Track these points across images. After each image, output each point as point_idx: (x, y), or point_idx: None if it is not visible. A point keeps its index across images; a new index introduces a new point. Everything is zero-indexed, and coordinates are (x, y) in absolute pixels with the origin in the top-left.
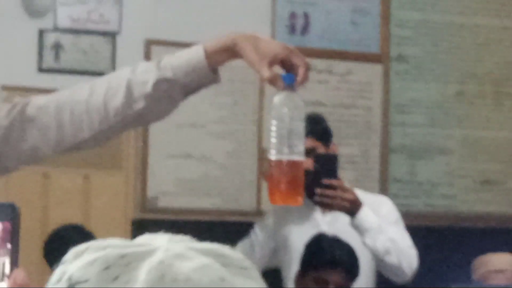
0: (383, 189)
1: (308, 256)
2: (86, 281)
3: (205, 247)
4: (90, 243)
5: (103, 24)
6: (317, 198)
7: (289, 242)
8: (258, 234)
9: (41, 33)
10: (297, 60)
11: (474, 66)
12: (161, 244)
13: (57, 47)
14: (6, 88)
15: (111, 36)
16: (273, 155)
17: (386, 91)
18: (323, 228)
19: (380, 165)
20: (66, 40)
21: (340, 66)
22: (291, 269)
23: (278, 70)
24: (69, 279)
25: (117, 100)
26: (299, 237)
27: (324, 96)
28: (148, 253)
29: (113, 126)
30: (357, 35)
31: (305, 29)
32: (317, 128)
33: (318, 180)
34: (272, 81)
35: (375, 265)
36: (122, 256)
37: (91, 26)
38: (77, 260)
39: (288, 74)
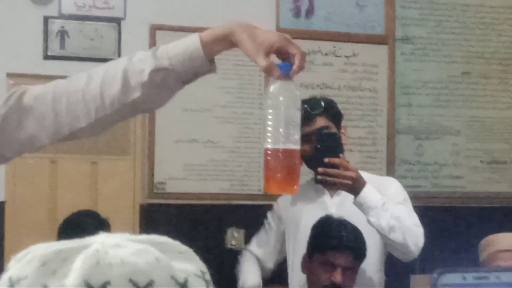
0: (390, 171)
1: (314, 239)
2: (25, 278)
3: (141, 238)
4: (31, 247)
5: (108, 10)
6: (319, 177)
7: (297, 226)
8: (270, 222)
9: (46, 20)
10: (293, 49)
11: (480, 46)
12: (98, 239)
13: (62, 33)
14: (12, 75)
15: (116, 22)
16: (269, 144)
17: (392, 72)
18: (331, 210)
19: (387, 147)
20: (71, 26)
21: (345, 48)
22: (299, 253)
23: (275, 59)
24: (9, 279)
25: (114, 89)
26: (307, 220)
27: (330, 79)
28: (85, 246)
29: (110, 115)
30: (362, 17)
31: (309, 11)
32: (331, 109)
33: (321, 158)
34: (268, 70)
35: (383, 247)
36: (58, 252)
37: (95, 13)
38: (18, 263)
39: (284, 63)
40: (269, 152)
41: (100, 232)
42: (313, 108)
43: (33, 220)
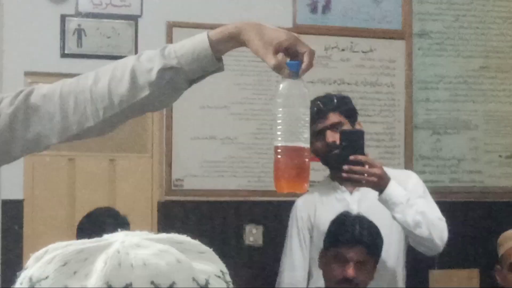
0: (408, 166)
1: (329, 233)
2: (46, 278)
3: (161, 237)
4: (50, 246)
5: (125, 8)
6: (345, 175)
7: (319, 223)
8: (297, 234)
9: (63, 18)
10: (302, 47)
11: (498, 40)
12: (117, 238)
13: (79, 32)
14: (29, 74)
15: (133, 19)
16: (278, 142)
17: (409, 67)
18: (352, 207)
19: (405, 142)
20: (88, 25)
21: (362, 43)
22: (316, 248)
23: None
24: (30, 280)
25: (122, 88)
26: (328, 217)
27: (347, 74)
28: (105, 246)
29: (118, 114)
30: (379, 12)
31: (326, 7)
32: (344, 105)
33: (345, 156)
34: (277, 68)
35: (405, 242)
36: (79, 252)
37: (112, 10)
38: (37, 263)
39: (293, 61)
40: (279, 150)
41: (119, 229)
42: (325, 104)
43: (52, 218)
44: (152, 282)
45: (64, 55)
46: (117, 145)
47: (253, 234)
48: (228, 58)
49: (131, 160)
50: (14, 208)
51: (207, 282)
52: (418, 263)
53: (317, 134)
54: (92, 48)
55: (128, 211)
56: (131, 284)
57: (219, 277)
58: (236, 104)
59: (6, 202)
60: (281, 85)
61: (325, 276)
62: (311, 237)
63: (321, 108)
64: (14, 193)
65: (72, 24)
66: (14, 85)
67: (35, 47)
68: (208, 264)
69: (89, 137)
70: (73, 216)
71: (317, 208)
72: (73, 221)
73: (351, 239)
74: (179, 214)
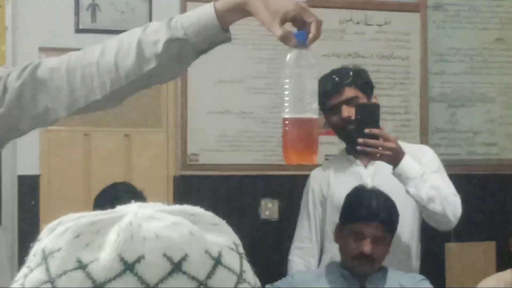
0: (424, 139)
1: (345, 209)
2: (58, 250)
3: (174, 209)
4: (62, 217)
5: None
6: (360, 148)
7: (333, 196)
8: (309, 204)
9: None
10: (309, 17)
11: None
12: (131, 210)
13: (93, 7)
14: (43, 49)
15: None
16: (286, 114)
17: (424, 40)
18: (366, 181)
19: (420, 115)
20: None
21: (377, 16)
22: (331, 223)
23: (291, 28)
24: (43, 251)
25: (128, 61)
26: (341, 191)
27: (362, 48)
28: (118, 218)
29: (125, 86)
30: None
31: None
32: (360, 79)
33: (360, 129)
34: (284, 39)
35: (419, 216)
36: (92, 224)
37: None
38: (50, 235)
39: (300, 31)
40: (287, 122)
41: (133, 201)
42: (341, 78)
43: (67, 193)
44: (164, 255)
45: (78, 30)
46: (132, 120)
47: (269, 208)
48: (242, 32)
49: (146, 135)
50: (30, 183)
51: (219, 254)
52: (434, 236)
53: (332, 109)
54: (106, 23)
55: (143, 186)
56: (143, 256)
57: (232, 249)
58: (251, 78)
59: (22, 177)
60: (288, 56)
61: (341, 251)
62: (324, 210)
63: (336, 82)
64: (30, 168)
65: None
66: (29, 61)
67: (49, 23)
68: (221, 236)
69: (97, 110)
70: (89, 191)
71: (330, 180)
72: (89, 196)
73: (367, 215)
74: (194, 189)
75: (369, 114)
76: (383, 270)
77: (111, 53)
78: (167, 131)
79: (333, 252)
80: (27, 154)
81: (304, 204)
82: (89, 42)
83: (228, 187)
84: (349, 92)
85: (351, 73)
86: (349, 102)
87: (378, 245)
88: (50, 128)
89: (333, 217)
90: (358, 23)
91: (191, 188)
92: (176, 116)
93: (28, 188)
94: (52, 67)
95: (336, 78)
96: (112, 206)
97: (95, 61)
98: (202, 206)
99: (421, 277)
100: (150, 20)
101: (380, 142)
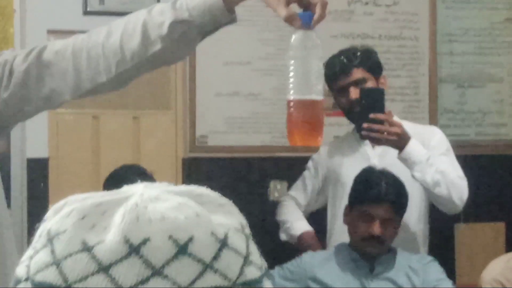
0: (433, 120)
1: (354, 190)
2: (64, 231)
3: (181, 189)
4: (69, 198)
5: None
6: (364, 133)
7: (339, 176)
8: (310, 169)
9: None
10: None
11: None
12: (137, 190)
13: None
14: (52, 32)
15: None
16: (291, 95)
17: (433, 20)
18: (373, 161)
19: (429, 96)
20: None
21: None
22: (339, 204)
23: (296, 9)
24: (48, 233)
25: (134, 43)
26: (349, 170)
27: (371, 28)
28: (124, 199)
29: (130, 69)
30: None
31: None
32: (368, 60)
33: (365, 114)
34: (289, 20)
35: (427, 198)
36: (98, 205)
37: None
38: (56, 216)
39: (305, 12)
40: (292, 103)
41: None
42: (349, 59)
43: (77, 176)
44: (170, 237)
45: (86, 12)
46: (140, 102)
47: (278, 190)
48: (250, 14)
49: (154, 117)
50: (39, 167)
51: (226, 236)
52: (444, 217)
53: (340, 90)
54: (114, 5)
55: (152, 168)
56: (149, 238)
57: (238, 230)
58: (259, 59)
59: (31, 161)
60: (293, 37)
61: (351, 232)
62: (326, 185)
63: (344, 63)
64: (39, 151)
65: None
66: (37, 44)
67: (57, 5)
68: (227, 217)
69: (102, 93)
70: (98, 174)
71: (337, 158)
72: (98, 178)
73: (377, 197)
74: (203, 171)
75: (374, 99)
76: (392, 252)
77: (116, 35)
78: (175, 113)
79: (343, 233)
80: (36, 137)
81: (305, 172)
82: (97, 24)
83: (236, 169)
84: (357, 73)
85: (359, 53)
86: (357, 83)
87: (387, 227)
88: (59, 111)
89: (339, 194)
90: (366, 3)
91: (200, 170)
92: (185, 98)
93: (37, 171)
94: (58, 49)
95: (344, 59)
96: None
97: (100, 43)
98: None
99: (430, 258)
100: (159, 1)
101: (385, 127)
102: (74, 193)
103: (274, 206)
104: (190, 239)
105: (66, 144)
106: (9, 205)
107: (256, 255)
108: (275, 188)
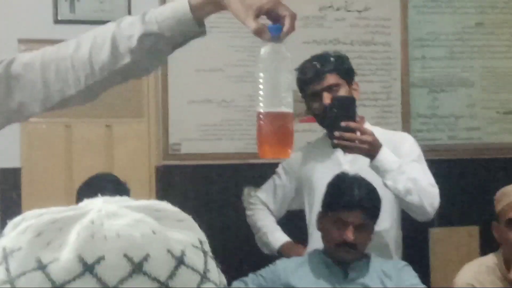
0: (406, 124)
1: (328, 197)
2: (18, 249)
3: (139, 204)
4: (27, 213)
5: None
6: (335, 141)
7: (311, 182)
8: (281, 175)
9: None
10: (283, 10)
11: None
12: (95, 206)
13: None
14: (22, 41)
15: None
16: (261, 108)
17: (405, 25)
18: (344, 167)
19: (402, 100)
20: None
21: (357, 2)
22: (314, 210)
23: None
24: (3, 250)
25: (103, 55)
26: (321, 176)
27: (342, 34)
28: (80, 215)
29: (100, 81)
30: None
31: None
32: (342, 65)
33: (337, 123)
34: (258, 32)
35: (399, 203)
36: (54, 222)
37: None
38: (13, 231)
39: (274, 25)
40: (261, 116)
41: (119, 195)
42: (323, 65)
43: (50, 185)
44: (125, 255)
45: (57, 21)
46: (113, 110)
47: (252, 196)
48: (221, 20)
49: (127, 125)
50: (11, 176)
51: (182, 253)
52: (418, 221)
53: (313, 95)
54: (85, 13)
55: (126, 177)
56: (103, 257)
57: (196, 247)
58: (231, 66)
59: (3, 171)
60: (262, 50)
61: (324, 238)
62: (302, 193)
63: (318, 69)
64: (11, 161)
65: None
66: (8, 53)
67: (28, 14)
68: (185, 233)
69: (72, 106)
70: (71, 183)
71: (308, 164)
72: (71, 187)
73: (350, 203)
74: (177, 178)
75: (345, 107)
76: (366, 258)
77: (85, 48)
78: (148, 121)
79: (317, 239)
80: (7, 147)
81: (275, 176)
82: (68, 33)
83: (210, 176)
84: (331, 79)
85: (332, 59)
86: (330, 89)
87: (360, 233)
88: (31, 120)
89: (315, 205)
90: (338, 9)
91: (174, 177)
92: (157, 106)
93: (10, 181)
94: (26, 62)
95: (318, 65)
96: (95, 197)
97: (69, 55)
98: (185, 195)
99: (404, 263)
100: (129, 9)
101: (357, 135)
102: (48, 202)
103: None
104: (146, 257)
105: (39, 154)
106: None
107: (214, 272)
108: (249, 195)
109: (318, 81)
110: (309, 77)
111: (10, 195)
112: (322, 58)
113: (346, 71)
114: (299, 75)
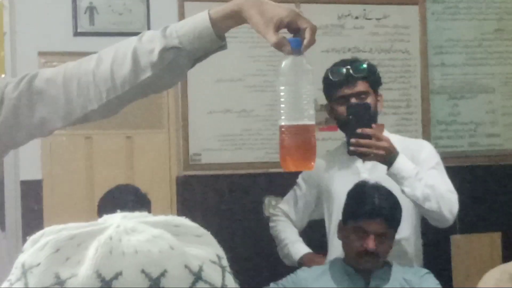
0: (426, 132)
1: (347, 206)
2: (37, 265)
3: (158, 220)
4: (46, 229)
5: None
6: (352, 148)
7: (331, 191)
8: (301, 185)
9: None
10: (303, 23)
11: None
12: (113, 221)
13: (91, 9)
14: (43, 53)
15: None
16: (283, 121)
17: (424, 32)
18: (363, 175)
19: (422, 108)
20: (100, 2)
21: (375, 10)
22: (333, 219)
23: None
24: (23, 265)
25: (124, 70)
26: (340, 185)
27: (361, 42)
28: (99, 231)
29: (121, 96)
30: None
31: None
32: (373, 75)
33: (353, 129)
34: (279, 45)
35: (418, 212)
36: (72, 237)
37: None
38: (32, 247)
39: (294, 38)
40: (283, 129)
41: (140, 207)
42: (356, 70)
43: (71, 197)
44: (142, 271)
45: (77, 33)
46: (133, 122)
47: (273, 206)
48: (240, 31)
49: (147, 136)
50: (33, 189)
51: (200, 269)
52: (439, 229)
53: (340, 98)
54: (104, 25)
55: (146, 188)
56: (121, 272)
57: (214, 262)
58: (250, 76)
59: (25, 183)
60: (283, 63)
61: (345, 247)
62: (321, 202)
63: (350, 74)
64: (32, 173)
65: (84, 2)
66: (28, 66)
67: (48, 27)
68: (203, 248)
69: (93, 120)
70: (92, 195)
71: (328, 172)
72: (92, 199)
73: (370, 211)
74: (197, 189)
75: (362, 114)
76: (387, 266)
77: (107, 63)
78: (168, 131)
79: (337, 248)
80: (29, 159)
81: (296, 187)
82: (88, 45)
83: (231, 185)
84: (361, 86)
85: (365, 66)
86: (359, 95)
87: (381, 241)
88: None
89: (335, 214)
90: (357, 17)
91: (194, 188)
92: (177, 117)
93: (31, 193)
94: (49, 77)
95: (351, 70)
96: (117, 209)
97: (91, 70)
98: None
99: (425, 270)
100: (148, 21)
101: (373, 141)
102: (69, 214)
103: (269, 221)
104: (163, 273)
105: (60, 166)
106: (3, 228)
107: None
108: (270, 204)
109: (348, 85)
110: (340, 80)
111: (31, 207)
112: (355, 63)
113: (375, 80)
114: (330, 76)
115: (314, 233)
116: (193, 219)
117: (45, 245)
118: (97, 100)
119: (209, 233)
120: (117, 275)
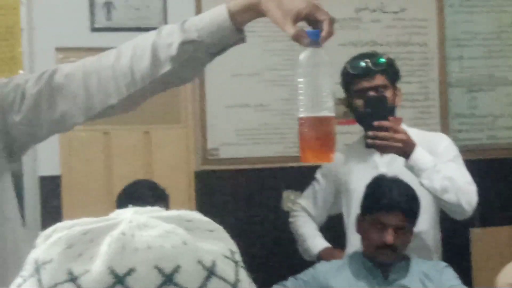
0: (444, 125)
1: (366, 199)
2: (50, 261)
3: (170, 215)
4: (58, 224)
5: None
6: (369, 141)
7: (349, 185)
8: (319, 180)
9: None
10: (322, 15)
11: None
12: (125, 216)
13: (108, 5)
14: (60, 49)
15: None
16: (302, 113)
17: (441, 25)
18: (381, 169)
19: (440, 101)
20: None
21: (393, 3)
22: (352, 213)
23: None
24: (35, 261)
25: (143, 64)
26: (358, 179)
27: (379, 35)
28: (111, 227)
29: (141, 90)
30: None
31: None
32: (392, 68)
33: (370, 122)
34: (297, 38)
35: (437, 204)
36: (85, 233)
37: None
38: (44, 243)
39: (313, 30)
40: (303, 121)
41: (158, 201)
42: (375, 64)
43: (89, 193)
44: (156, 266)
45: (94, 29)
46: (151, 117)
47: (291, 200)
48: (257, 25)
49: (165, 131)
50: (52, 184)
51: (213, 264)
52: (458, 222)
53: (358, 92)
54: (121, 21)
55: (165, 183)
56: (134, 269)
57: (227, 257)
58: (267, 70)
59: (43, 179)
60: (301, 55)
61: (363, 241)
62: (340, 196)
63: (369, 67)
64: (51, 169)
65: None
66: (46, 62)
67: (65, 23)
68: (216, 243)
69: (113, 115)
70: (111, 190)
71: (346, 166)
72: (111, 194)
73: (389, 205)
74: (216, 183)
75: (378, 106)
76: (406, 259)
77: (126, 57)
78: (186, 126)
79: (355, 242)
80: (47, 155)
81: (315, 182)
82: (105, 40)
83: (249, 180)
84: (380, 79)
85: (384, 60)
86: (377, 89)
87: (400, 235)
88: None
89: (354, 207)
90: (374, 11)
91: (212, 182)
92: (195, 112)
93: (50, 189)
94: (68, 73)
95: (370, 63)
96: (135, 204)
97: (110, 65)
98: (223, 200)
99: (444, 264)
100: (165, 16)
101: (390, 134)
102: (88, 209)
103: (288, 216)
104: (176, 269)
105: (78, 161)
106: (23, 224)
107: (245, 282)
108: (288, 199)
109: (367, 79)
110: (359, 73)
111: (50, 203)
112: (374, 57)
113: (394, 74)
114: (349, 69)
115: (333, 227)
116: (212, 213)
117: (58, 241)
118: (117, 95)
119: (221, 227)
120: (130, 271)
